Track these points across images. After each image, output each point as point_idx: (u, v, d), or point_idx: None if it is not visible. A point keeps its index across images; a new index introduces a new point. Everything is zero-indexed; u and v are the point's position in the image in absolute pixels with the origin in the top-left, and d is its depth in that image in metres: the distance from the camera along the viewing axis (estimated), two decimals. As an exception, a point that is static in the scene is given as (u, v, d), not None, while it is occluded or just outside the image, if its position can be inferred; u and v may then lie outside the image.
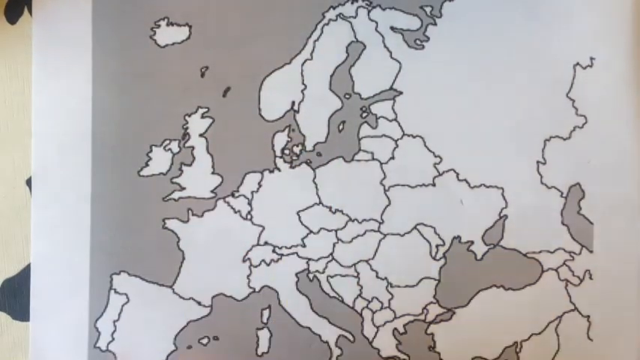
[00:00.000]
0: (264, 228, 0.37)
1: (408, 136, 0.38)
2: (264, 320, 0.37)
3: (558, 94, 0.38)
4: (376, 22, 0.38)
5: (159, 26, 0.37)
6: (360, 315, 0.37)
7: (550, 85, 0.38)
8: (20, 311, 0.37)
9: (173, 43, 0.37)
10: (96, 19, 0.37)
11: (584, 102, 0.38)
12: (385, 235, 0.38)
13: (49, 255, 0.37)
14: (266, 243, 0.37)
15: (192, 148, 0.37)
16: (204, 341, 0.37)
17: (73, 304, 0.37)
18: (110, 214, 0.37)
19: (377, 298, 0.37)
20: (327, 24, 0.38)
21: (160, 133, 0.37)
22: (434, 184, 0.38)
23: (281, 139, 0.38)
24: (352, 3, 0.38)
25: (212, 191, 0.37)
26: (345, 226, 0.38)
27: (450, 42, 0.38)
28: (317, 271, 0.37)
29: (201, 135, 0.37)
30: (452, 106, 0.38)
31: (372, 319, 0.37)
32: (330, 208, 0.38)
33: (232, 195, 0.37)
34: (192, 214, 0.37)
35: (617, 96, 0.38)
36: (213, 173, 0.37)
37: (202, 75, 0.37)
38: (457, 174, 0.38)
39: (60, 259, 0.37)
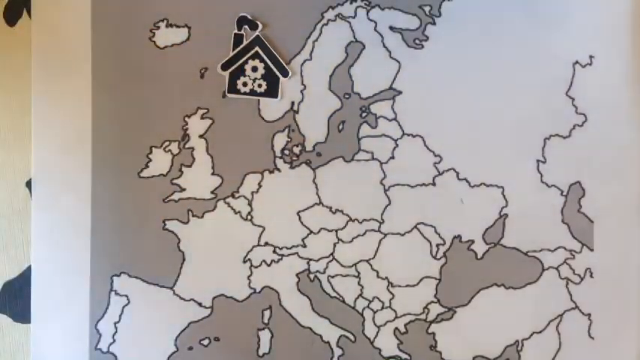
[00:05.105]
0: (264, 228, 0.37)
1: (408, 135, 0.38)
2: (265, 321, 0.37)
3: (558, 93, 0.38)
4: (375, 22, 0.38)
5: (158, 27, 0.38)
6: (361, 315, 0.37)
7: (550, 83, 0.38)
8: (21, 313, 0.37)
9: (172, 45, 0.37)
10: (95, 20, 0.37)
11: (583, 100, 0.38)
12: (385, 235, 0.38)
13: (49, 257, 0.37)
14: (266, 243, 0.37)
15: (192, 149, 0.37)
16: (205, 342, 0.37)
17: (73, 305, 0.37)
18: (110, 216, 0.37)
19: (378, 298, 0.37)
20: (326, 24, 0.38)
21: (160, 134, 0.37)
22: (434, 184, 0.38)
23: (281, 140, 0.38)
24: (351, 3, 0.38)
25: (212, 192, 0.37)
26: (345, 226, 0.38)
27: (449, 41, 0.38)
28: (317, 271, 0.37)
29: (200, 136, 0.37)
30: (451, 106, 0.38)
31: (373, 319, 0.37)
32: (330, 208, 0.38)
33: (232, 196, 0.37)
34: (193, 215, 0.37)
35: (617, 94, 0.38)
36: (213, 174, 0.37)
37: (202, 76, 0.37)
38: (457, 173, 0.38)
39: (60, 261, 0.37)
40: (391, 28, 0.38)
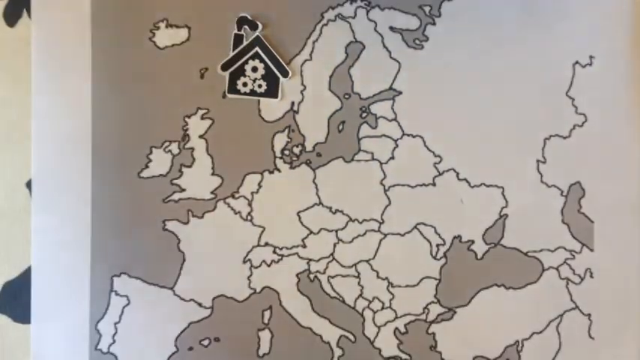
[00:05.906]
0: (264, 229, 0.37)
1: (408, 135, 0.38)
2: (265, 321, 0.37)
3: (558, 93, 0.38)
4: (375, 22, 0.38)
5: (158, 28, 0.37)
6: (361, 315, 0.37)
7: (549, 83, 0.38)
8: (21, 313, 0.37)
9: (172, 45, 0.37)
10: (95, 21, 0.37)
11: (583, 100, 0.38)
12: (386, 235, 0.38)
13: (49, 257, 0.37)
14: (266, 244, 0.37)
15: (192, 149, 0.37)
16: (206, 343, 0.37)
17: (73, 306, 0.37)
18: (110, 216, 0.37)
19: (378, 298, 0.37)
20: (326, 24, 0.38)
21: (160, 134, 0.37)
22: (434, 184, 0.38)
23: (281, 140, 0.38)
24: (351, 3, 0.38)
25: (212, 192, 0.37)
26: (345, 227, 0.38)
27: (449, 41, 0.38)
28: (318, 271, 0.37)
29: (200, 136, 0.37)
30: (451, 106, 0.38)
31: (373, 319, 0.37)
32: (330, 208, 0.38)
33: (232, 196, 0.37)
34: (193, 216, 0.37)
35: (617, 94, 0.38)
36: (213, 174, 0.37)
37: (202, 76, 0.37)
38: (457, 173, 0.38)
39: (60, 261, 0.37)
40: (391, 28, 0.38)
